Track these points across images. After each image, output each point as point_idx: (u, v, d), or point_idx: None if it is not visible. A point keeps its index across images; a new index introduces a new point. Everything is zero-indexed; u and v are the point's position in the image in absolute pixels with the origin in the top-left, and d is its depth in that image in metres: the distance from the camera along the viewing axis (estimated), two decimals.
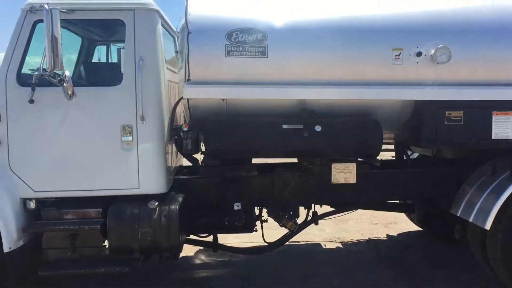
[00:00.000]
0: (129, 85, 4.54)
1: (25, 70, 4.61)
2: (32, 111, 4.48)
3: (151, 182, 4.64)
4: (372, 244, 7.15)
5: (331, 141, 4.57)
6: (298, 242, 7.00)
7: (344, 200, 5.47)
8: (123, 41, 4.86)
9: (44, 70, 4.16)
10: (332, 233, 7.58)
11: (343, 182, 5.14)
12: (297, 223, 5.39)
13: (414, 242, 7.20)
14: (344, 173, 5.15)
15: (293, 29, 4.47)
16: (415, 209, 6.31)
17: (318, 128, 4.49)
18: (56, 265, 4.49)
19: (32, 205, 4.56)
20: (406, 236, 7.54)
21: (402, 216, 8.13)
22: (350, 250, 6.86)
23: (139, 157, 4.58)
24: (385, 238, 7.45)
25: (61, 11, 4.10)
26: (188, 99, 4.53)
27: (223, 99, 4.52)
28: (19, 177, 4.50)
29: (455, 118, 4.54)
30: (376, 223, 8.31)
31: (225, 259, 6.33)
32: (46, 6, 3.94)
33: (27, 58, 4.57)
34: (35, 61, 4.79)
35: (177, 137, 4.63)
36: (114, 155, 4.57)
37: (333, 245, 7.09)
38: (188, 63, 4.38)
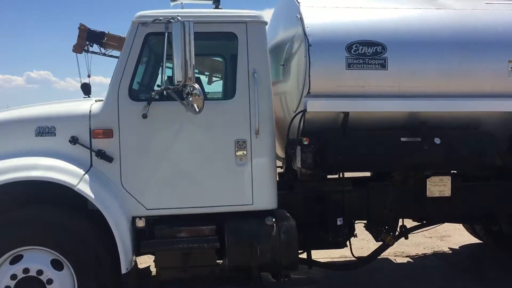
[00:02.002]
0: (242, 99, 4.46)
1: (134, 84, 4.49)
2: (144, 126, 4.36)
3: (264, 197, 4.53)
4: (440, 257, 7.11)
5: (450, 154, 4.53)
6: (356, 258, 6.90)
7: (437, 213, 5.41)
8: (229, 54, 4.81)
9: (169, 84, 4.07)
10: (392, 248, 7.44)
11: (438, 195, 5.12)
12: (395, 237, 5.32)
13: (482, 254, 7.16)
14: (439, 186, 5.13)
15: (411, 41, 4.47)
16: (501, 222, 6.27)
17: (437, 140, 4.46)
18: (177, 285, 4.33)
19: (141, 223, 4.40)
20: (469, 249, 7.50)
21: (452, 228, 8.14)
22: (424, 264, 6.78)
23: (253, 172, 4.48)
24: (450, 252, 7.41)
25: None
26: (304, 112, 4.45)
27: (343, 112, 4.45)
28: (131, 195, 4.35)
29: None
30: (430, 237, 8.25)
31: (302, 275, 6.20)
32: (179, 18, 3.84)
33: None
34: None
35: (293, 151, 4.53)
36: (228, 171, 4.46)
37: (403, 260, 7.01)
38: (309, 76, 4.32)
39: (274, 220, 4.42)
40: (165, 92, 4.18)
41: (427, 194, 5.08)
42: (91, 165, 4.31)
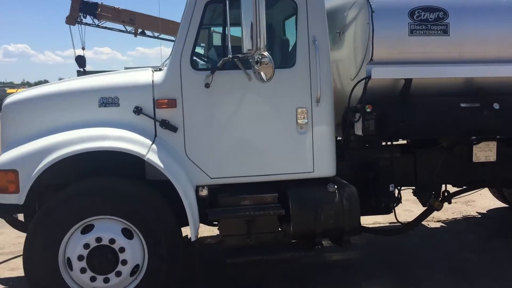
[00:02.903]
0: (303, 67, 4.46)
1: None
2: (206, 95, 4.36)
3: (325, 165, 4.59)
4: (472, 222, 7.28)
5: (510, 119, 4.58)
6: (400, 223, 7.04)
7: (482, 178, 5.51)
8: (285, 22, 4.77)
9: (237, 52, 4.04)
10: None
11: (484, 160, 5.21)
12: (442, 202, 5.42)
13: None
14: (484, 152, 5.22)
15: (472, 6, 4.48)
16: None
17: (496, 106, 4.51)
18: (242, 252, 4.41)
19: (204, 192, 4.43)
20: (496, 213, 7.68)
21: (474, 193, 8.29)
22: (457, 229, 6.94)
23: (314, 140, 4.52)
24: (479, 216, 7.58)
25: None
26: (366, 79, 4.45)
27: (404, 79, 4.47)
28: (195, 164, 4.38)
29: None
30: (455, 202, 8.31)
31: None
32: None
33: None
34: None
35: (355, 118, 4.55)
36: (290, 139, 4.50)
37: (436, 224, 7.16)
38: (372, 43, 4.31)
39: (336, 187, 4.48)
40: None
41: (473, 160, 5.18)
42: (155, 135, 4.31)
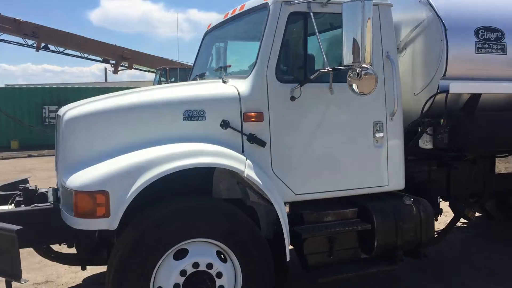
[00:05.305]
0: (378, 81, 4.50)
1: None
2: (291, 109, 4.24)
3: (397, 178, 4.65)
4: (463, 230, 7.75)
5: None
6: None
7: (503, 188, 5.92)
8: None
9: (336, 65, 3.99)
10: None
11: (504, 172, 5.65)
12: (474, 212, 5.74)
13: (495, 226, 7.91)
14: (504, 164, 5.67)
15: None
16: None
17: None
18: (327, 270, 4.28)
19: (286, 209, 4.26)
20: (479, 221, 8.22)
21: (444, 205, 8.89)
22: (456, 237, 7.35)
23: (388, 154, 4.57)
24: (465, 226, 8.09)
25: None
26: (447, 93, 4.60)
27: (472, 94, 4.71)
28: (280, 180, 4.21)
29: None
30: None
31: None
32: None
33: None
34: None
35: (428, 131, 4.68)
36: (368, 153, 4.51)
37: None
38: (446, 59, 4.50)
39: (412, 200, 4.56)
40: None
41: (496, 171, 5.60)
42: (242, 150, 4.08)
